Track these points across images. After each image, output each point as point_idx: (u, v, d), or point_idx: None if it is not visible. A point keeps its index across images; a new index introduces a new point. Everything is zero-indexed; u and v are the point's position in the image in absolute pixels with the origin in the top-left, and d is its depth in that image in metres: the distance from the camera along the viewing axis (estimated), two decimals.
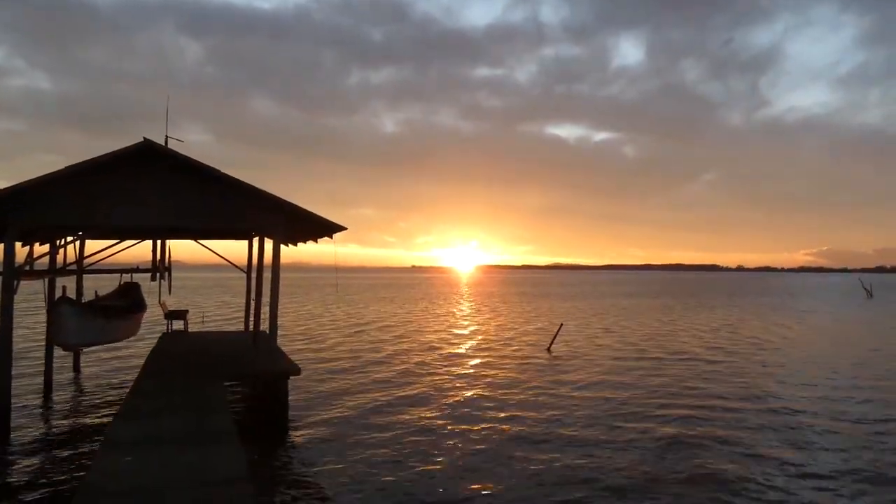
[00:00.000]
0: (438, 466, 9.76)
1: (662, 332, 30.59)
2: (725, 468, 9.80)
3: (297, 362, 13.41)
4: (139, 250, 18.66)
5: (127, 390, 12.25)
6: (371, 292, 73.56)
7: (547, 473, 9.48)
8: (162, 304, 19.92)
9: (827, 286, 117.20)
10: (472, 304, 54.00)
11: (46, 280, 15.12)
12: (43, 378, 15.14)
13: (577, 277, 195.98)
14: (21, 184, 10.40)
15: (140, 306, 17.37)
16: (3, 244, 11.04)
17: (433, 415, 13.13)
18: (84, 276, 17.19)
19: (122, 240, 17.39)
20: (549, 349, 23.27)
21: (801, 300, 63.17)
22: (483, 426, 12.24)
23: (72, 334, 12.33)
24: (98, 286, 17.98)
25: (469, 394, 15.31)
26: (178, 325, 19.47)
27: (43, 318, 16.95)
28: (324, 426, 12.03)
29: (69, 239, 16.15)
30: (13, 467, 9.45)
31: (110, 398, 14.25)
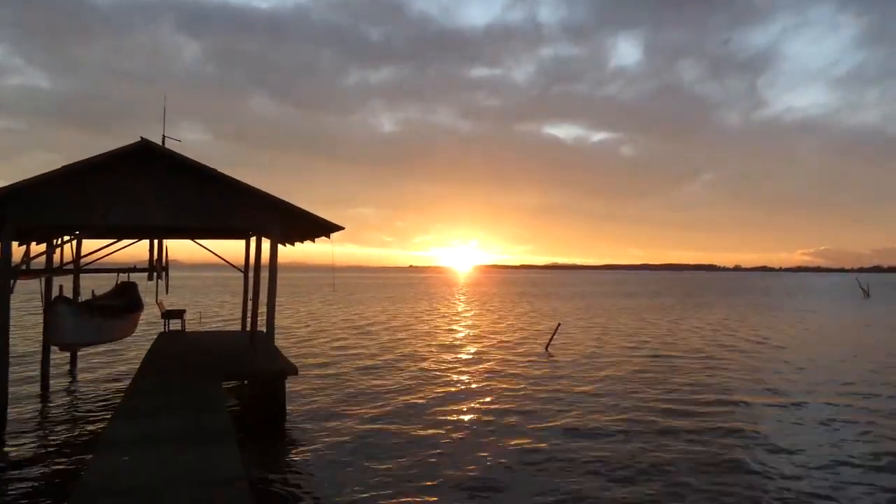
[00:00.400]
0: (437, 465, 9.76)
1: (660, 331, 30.61)
2: (731, 465, 9.83)
3: (294, 362, 13.41)
4: (136, 250, 18.64)
5: (124, 390, 12.24)
6: (369, 292, 73.54)
7: (546, 472, 9.50)
8: (159, 304, 19.89)
9: (824, 286, 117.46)
10: (470, 304, 54.00)
11: (43, 279, 15.09)
12: (40, 378, 15.11)
13: (576, 277, 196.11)
14: (18, 183, 10.39)
15: (137, 306, 17.35)
16: None
17: (431, 413, 13.12)
18: (81, 275, 17.17)
19: (119, 239, 17.36)
20: (546, 349, 23.29)
21: (799, 300, 63.29)
22: (481, 425, 12.24)
23: (69, 334, 12.31)
24: (95, 286, 17.95)
25: (467, 393, 15.31)
26: (175, 324, 19.45)
27: (40, 317, 16.92)
28: (322, 425, 12.02)
29: (66, 238, 16.13)
30: (10, 466, 9.42)
31: (107, 398, 14.23)
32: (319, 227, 13.25)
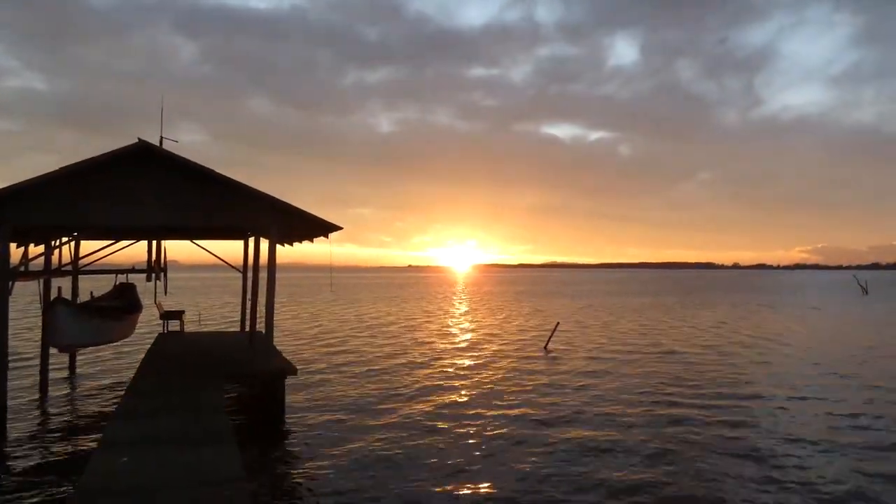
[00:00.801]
0: (436, 465, 9.78)
1: (658, 329, 30.65)
2: (734, 463, 9.86)
3: (293, 362, 13.41)
4: (134, 251, 18.64)
5: (123, 391, 12.23)
6: (367, 292, 73.53)
7: (544, 470, 9.52)
8: (158, 305, 19.88)
9: (823, 283, 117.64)
10: (468, 303, 54.03)
11: (42, 281, 15.08)
12: (39, 379, 15.09)
13: (574, 276, 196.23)
14: (15, 184, 10.38)
15: (136, 307, 17.34)
16: None
17: (430, 414, 13.14)
18: (79, 276, 17.15)
19: (117, 240, 17.35)
20: (545, 347, 23.30)
21: (800, 297, 63.40)
22: (480, 425, 12.25)
23: (67, 335, 12.31)
24: (94, 287, 17.94)
25: (465, 393, 15.33)
26: (173, 325, 19.44)
27: (39, 318, 16.91)
28: (321, 425, 12.04)
29: (64, 240, 16.11)
30: (10, 467, 9.42)
31: (106, 399, 14.22)
32: (318, 228, 13.25)
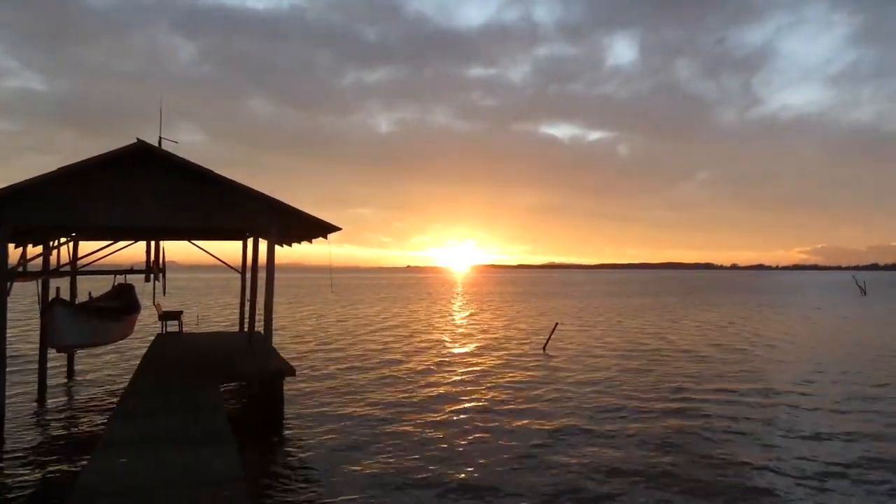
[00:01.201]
0: (435, 465, 9.78)
1: (658, 330, 30.67)
2: (736, 464, 9.87)
3: (291, 362, 13.41)
4: (133, 251, 18.63)
5: (122, 391, 12.23)
6: (368, 293, 73.51)
7: (543, 470, 9.54)
8: (156, 306, 19.87)
9: (822, 284, 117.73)
10: (467, 304, 54.04)
11: (40, 281, 15.07)
12: (37, 380, 15.08)
13: (573, 277, 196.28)
14: (14, 185, 10.38)
15: (134, 307, 17.33)
16: None
17: (429, 414, 13.14)
18: (78, 277, 17.15)
19: (115, 241, 17.36)
20: (544, 348, 23.31)
21: (800, 298, 63.44)
22: (480, 425, 12.26)
23: (66, 336, 12.30)
24: (92, 287, 17.93)
25: (465, 393, 15.33)
26: (172, 326, 19.43)
27: (37, 319, 16.90)
28: (320, 426, 12.03)
29: (63, 240, 16.10)
30: (8, 468, 9.41)
31: (105, 399, 14.22)
32: (317, 228, 13.26)
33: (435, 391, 15.51)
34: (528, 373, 18.15)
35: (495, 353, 22.18)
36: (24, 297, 33.38)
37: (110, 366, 18.63)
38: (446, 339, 26.92)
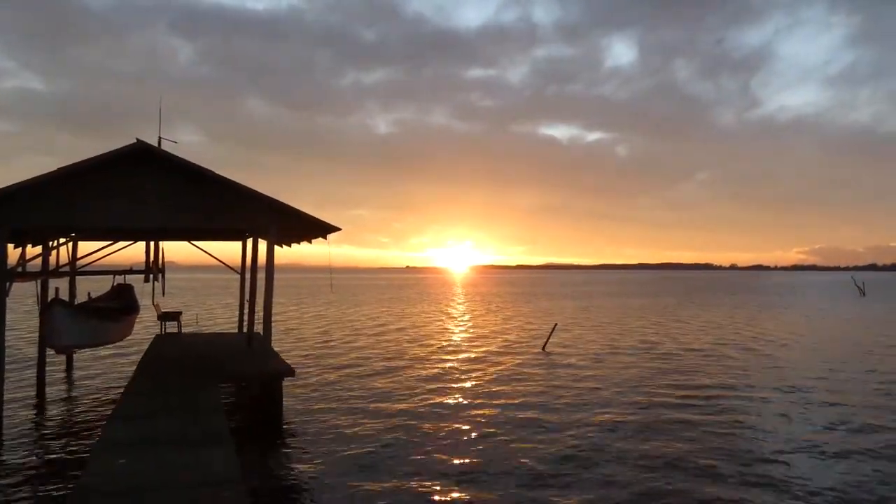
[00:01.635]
0: (436, 465, 9.78)
1: (658, 330, 30.69)
2: (737, 463, 9.87)
3: (290, 363, 13.39)
4: (132, 252, 18.62)
5: (120, 392, 12.21)
6: (368, 293, 73.50)
7: (543, 469, 9.54)
8: (155, 306, 19.85)
9: (821, 284, 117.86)
10: (467, 304, 54.05)
11: (39, 282, 15.06)
12: (36, 380, 15.07)
13: (572, 277, 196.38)
14: (13, 185, 10.37)
15: (133, 308, 17.32)
16: None
17: (429, 414, 13.13)
18: (77, 277, 17.13)
19: (114, 241, 17.34)
20: (543, 348, 23.31)
21: (800, 298, 63.51)
22: (479, 425, 12.26)
23: (65, 336, 12.29)
24: (91, 288, 17.91)
25: (464, 394, 15.33)
26: (171, 326, 19.41)
27: (36, 319, 16.88)
28: (319, 426, 12.03)
29: (62, 240, 16.09)
30: (8, 468, 9.40)
31: (104, 400, 14.20)
32: (316, 228, 13.25)
33: (434, 391, 15.49)
34: (528, 373, 18.13)
35: (496, 354, 22.15)
36: (24, 297, 33.32)
37: (109, 366, 18.61)
38: (446, 339, 26.91)
